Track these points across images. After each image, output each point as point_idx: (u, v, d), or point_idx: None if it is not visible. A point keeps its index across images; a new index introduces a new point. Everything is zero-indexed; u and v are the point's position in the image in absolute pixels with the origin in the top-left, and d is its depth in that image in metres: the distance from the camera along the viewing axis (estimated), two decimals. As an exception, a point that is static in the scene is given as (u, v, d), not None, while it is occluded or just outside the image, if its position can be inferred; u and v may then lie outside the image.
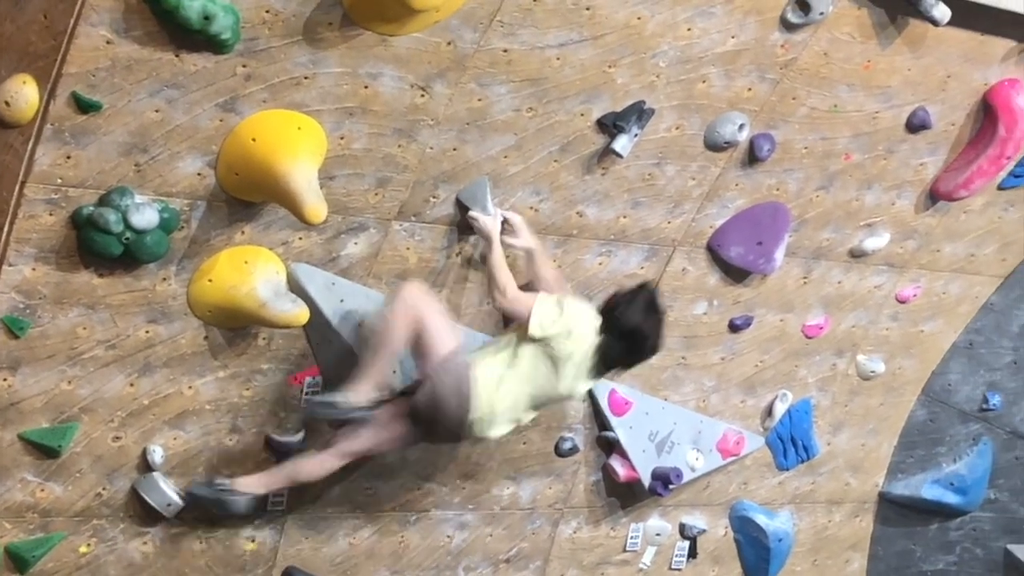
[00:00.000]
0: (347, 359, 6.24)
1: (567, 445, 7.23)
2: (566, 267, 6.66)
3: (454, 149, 6.03)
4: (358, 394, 5.86)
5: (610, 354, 6.05)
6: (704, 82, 6.38)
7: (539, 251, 6.24)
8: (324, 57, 5.46)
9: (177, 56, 5.18)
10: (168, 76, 5.21)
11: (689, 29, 6.15)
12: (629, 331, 6.03)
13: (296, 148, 5.46)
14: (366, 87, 5.63)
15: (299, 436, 6.37)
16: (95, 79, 5.09)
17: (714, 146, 6.62)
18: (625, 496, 7.62)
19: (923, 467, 8.59)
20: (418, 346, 5.92)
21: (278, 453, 6.35)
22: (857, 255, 7.58)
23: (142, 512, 6.18)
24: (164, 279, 5.72)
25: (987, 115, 7.22)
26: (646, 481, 7.41)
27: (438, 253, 6.35)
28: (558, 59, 5.95)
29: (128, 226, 5.37)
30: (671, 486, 7.46)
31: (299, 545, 6.69)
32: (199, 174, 5.52)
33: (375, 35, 5.49)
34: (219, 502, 6.04)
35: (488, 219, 6.12)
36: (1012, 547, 8.81)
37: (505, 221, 6.18)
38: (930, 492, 8.56)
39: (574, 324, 5.95)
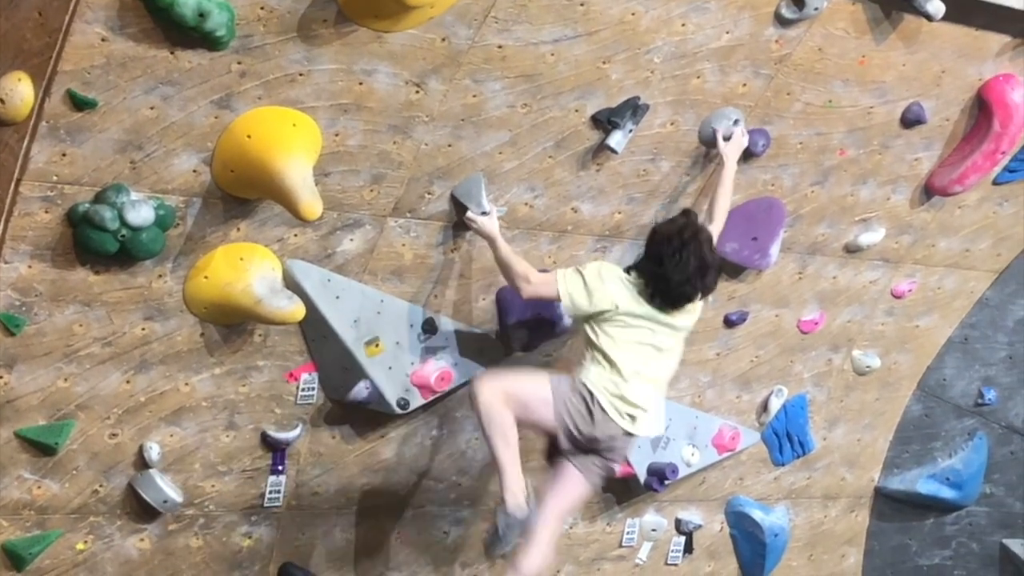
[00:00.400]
0: (342, 356, 6.25)
1: (563, 441, 7.23)
2: (561, 263, 6.66)
3: (449, 145, 6.04)
4: (516, 496, 5.74)
5: (652, 280, 5.84)
6: (699, 78, 6.39)
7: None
8: (319, 54, 5.46)
9: (172, 53, 5.19)
10: (163, 73, 5.21)
11: (683, 25, 6.15)
12: (654, 251, 5.89)
13: (291, 145, 5.46)
14: (361, 84, 5.63)
15: (295, 432, 6.38)
16: (90, 76, 5.10)
17: (709, 142, 6.63)
18: (621, 492, 7.63)
19: (919, 462, 8.61)
20: (526, 415, 5.85)
21: (274, 449, 6.37)
22: (852, 250, 7.58)
23: (139, 509, 6.19)
24: (160, 276, 5.72)
25: (982, 110, 7.22)
26: (642, 477, 7.42)
27: (433, 249, 6.36)
28: (552, 55, 5.96)
29: (124, 223, 5.37)
30: (667, 482, 7.47)
31: (295, 541, 6.70)
32: (194, 171, 5.52)
33: (369, 32, 5.49)
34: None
35: (485, 219, 6.12)
36: (1007, 541, 8.82)
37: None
38: (926, 487, 8.57)
39: (595, 284, 5.85)
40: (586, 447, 5.95)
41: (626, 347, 5.89)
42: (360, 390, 6.33)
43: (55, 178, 5.26)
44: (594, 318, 5.91)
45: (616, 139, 6.31)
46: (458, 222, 6.29)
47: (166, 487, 6.12)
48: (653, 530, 7.87)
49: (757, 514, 8.11)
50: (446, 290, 6.51)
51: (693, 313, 6.08)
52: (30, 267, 5.43)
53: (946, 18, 6.49)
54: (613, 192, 6.60)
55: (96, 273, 5.58)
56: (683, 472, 7.57)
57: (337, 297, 6.15)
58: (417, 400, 6.52)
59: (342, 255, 6.12)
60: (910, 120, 7.09)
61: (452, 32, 5.66)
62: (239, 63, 5.33)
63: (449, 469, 6.99)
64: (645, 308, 5.90)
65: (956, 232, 7.85)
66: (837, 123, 6.92)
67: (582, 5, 5.85)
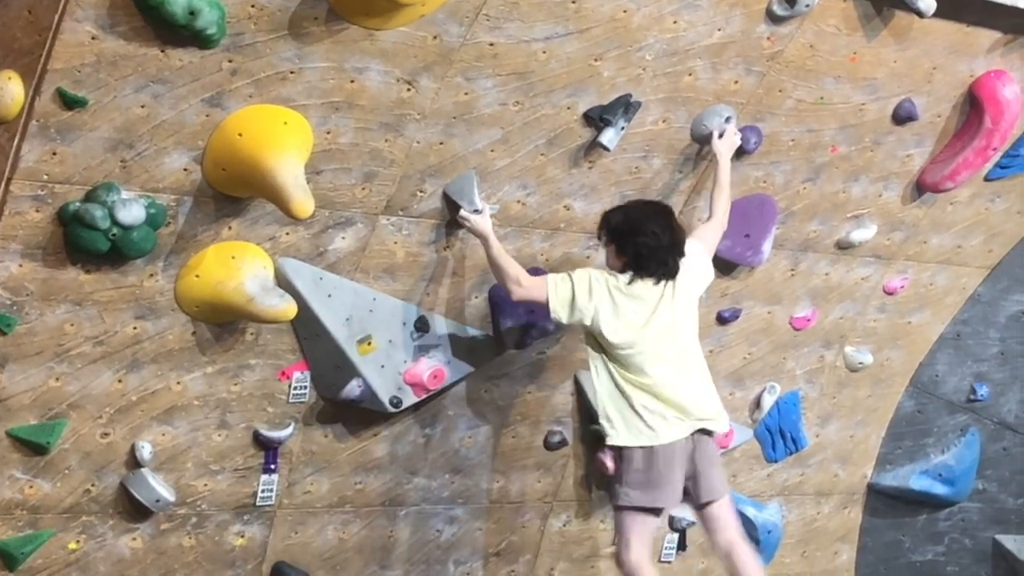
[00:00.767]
0: (335, 354, 6.25)
1: (556, 439, 7.24)
2: (554, 261, 6.66)
3: (441, 143, 6.03)
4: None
5: (631, 248, 5.95)
6: (690, 75, 6.39)
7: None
8: (310, 52, 5.45)
9: (163, 51, 5.18)
10: (154, 72, 5.21)
11: (675, 22, 6.15)
12: (621, 225, 6.01)
13: (282, 143, 5.45)
14: (352, 81, 5.62)
15: (288, 431, 6.37)
16: (80, 75, 5.09)
17: (701, 139, 6.63)
18: (615, 489, 7.62)
19: (911, 458, 8.61)
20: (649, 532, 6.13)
21: (266, 448, 6.36)
22: (844, 247, 7.59)
23: (131, 508, 6.18)
24: (151, 275, 5.71)
25: (973, 106, 7.23)
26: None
27: (426, 247, 6.35)
28: (544, 53, 5.95)
29: (115, 222, 5.36)
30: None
31: (288, 540, 6.69)
32: (185, 169, 5.51)
33: (361, 29, 5.49)
34: None
35: (478, 217, 6.11)
36: (1000, 537, 8.84)
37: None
38: (918, 483, 8.57)
39: (583, 299, 5.92)
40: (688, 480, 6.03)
41: (636, 343, 5.91)
42: (352, 388, 6.33)
43: (45, 177, 5.25)
44: (586, 327, 5.98)
45: (608, 136, 6.31)
46: (451, 220, 6.28)
47: (158, 486, 6.11)
48: (646, 527, 7.87)
49: (750, 511, 8.10)
50: (439, 288, 6.50)
51: (689, 274, 6.08)
52: (21, 266, 5.41)
53: (937, 14, 6.49)
54: (605, 190, 6.60)
55: (87, 272, 5.57)
56: (676, 469, 7.58)
57: (329, 295, 6.14)
58: (410, 398, 6.51)
59: (334, 253, 6.11)
60: (902, 117, 7.10)
61: (444, 30, 5.65)
62: (230, 61, 5.33)
63: (442, 467, 6.99)
64: (635, 302, 5.93)
65: (948, 228, 7.86)
66: (829, 120, 6.92)
67: (574, 3, 5.84)
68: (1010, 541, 8.83)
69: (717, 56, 6.36)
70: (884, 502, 8.69)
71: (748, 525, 8.09)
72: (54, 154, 5.21)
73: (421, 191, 6.14)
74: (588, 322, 5.95)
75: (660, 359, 5.94)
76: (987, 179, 7.67)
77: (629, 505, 6.01)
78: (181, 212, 5.62)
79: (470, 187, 6.16)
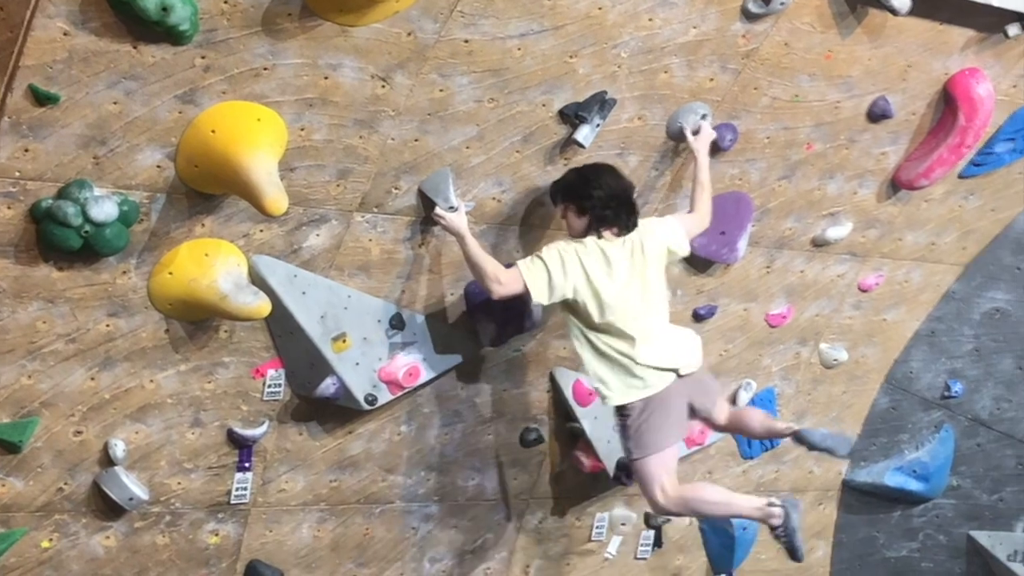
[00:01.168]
0: (309, 351, 6.23)
1: (532, 436, 7.23)
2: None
3: (416, 140, 6.02)
4: (760, 506, 6.17)
5: (591, 208, 6.10)
6: (666, 72, 6.39)
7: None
8: (283, 48, 5.43)
9: (135, 48, 5.15)
10: (126, 68, 5.18)
11: (650, 19, 6.15)
12: (576, 189, 6.16)
13: (256, 140, 5.43)
14: (326, 78, 5.61)
15: (262, 428, 6.36)
16: (52, 71, 5.06)
17: (677, 136, 6.63)
18: (590, 486, 7.63)
19: (886, 454, 8.64)
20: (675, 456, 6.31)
21: (240, 446, 6.34)
22: (819, 244, 7.61)
23: (104, 507, 6.15)
24: (124, 272, 5.69)
25: (947, 104, 7.26)
26: (611, 471, 7.42)
27: (401, 244, 6.34)
28: (519, 49, 5.95)
29: (87, 219, 5.34)
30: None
31: (263, 538, 6.68)
32: (158, 166, 5.49)
33: (335, 26, 5.47)
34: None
35: (453, 216, 6.10)
36: (974, 533, 8.88)
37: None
38: (893, 479, 8.60)
39: (558, 277, 5.99)
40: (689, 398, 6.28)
41: (614, 305, 6.03)
42: (327, 386, 6.31)
43: (17, 174, 5.22)
44: (569, 303, 6.09)
45: (584, 134, 6.30)
46: (426, 217, 6.27)
47: (131, 484, 6.09)
48: (623, 524, 7.88)
49: (726, 508, 8.12)
50: (414, 285, 6.49)
51: (655, 238, 6.22)
52: (-8, 263, 5.39)
53: (912, 13, 6.52)
54: (581, 187, 6.59)
55: (60, 269, 5.54)
56: (652, 466, 7.59)
57: (303, 293, 6.13)
58: (385, 396, 6.50)
59: (308, 250, 6.09)
60: (876, 114, 7.12)
61: (418, 26, 5.64)
62: (203, 57, 5.30)
63: (417, 465, 6.98)
64: (607, 266, 6.05)
65: (922, 226, 7.89)
66: (804, 117, 6.93)
67: (548, -1, 5.85)
68: (984, 537, 8.88)
69: (692, 53, 6.37)
70: (859, 498, 8.72)
71: (723, 522, 8.12)
72: (26, 151, 5.18)
73: (396, 188, 6.13)
74: (570, 295, 6.03)
75: (635, 319, 6.06)
76: (961, 176, 7.70)
77: (645, 455, 6.12)
78: (154, 209, 5.59)
79: (445, 184, 6.15)
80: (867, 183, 7.47)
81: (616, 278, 6.05)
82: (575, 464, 7.43)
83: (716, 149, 6.75)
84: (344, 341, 6.29)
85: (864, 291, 8.02)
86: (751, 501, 6.23)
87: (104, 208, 5.35)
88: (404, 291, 6.47)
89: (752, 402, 7.92)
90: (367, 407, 6.46)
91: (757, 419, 6.75)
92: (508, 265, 6.20)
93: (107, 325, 5.78)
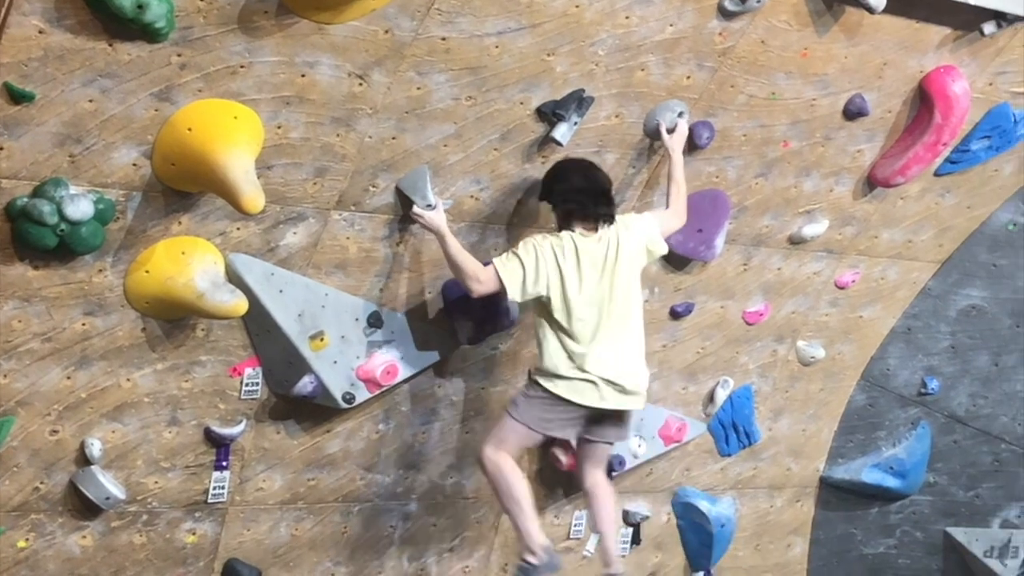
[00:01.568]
0: (287, 350, 6.22)
1: (510, 434, 7.23)
2: (507, 256, 6.66)
3: (393, 138, 6.01)
4: (532, 539, 6.16)
5: (567, 202, 6.16)
6: (643, 70, 6.40)
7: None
8: (260, 46, 5.42)
9: (111, 45, 5.14)
10: (102, 66, 5.16)
11: (627, 17, 6.16)
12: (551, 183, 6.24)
13: (233, 138, 5.42)
14: (303, 76, 5.60)
15: (240, 427, 6.34)
16: (28, 69, 5.04)
17: (654, 134, 6.64)
18: (568, 484, 7.62)
19: (863, 451, 8.67)
20: (530, 443, 6.36)
21: (218, 445, 6.32)
22: (796, 242, 7.62)
23: (81, 506, 6.13)
24: (100, 271, 5.67)
25: (923, 102, 7.28)
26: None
27: (379, 243, 6.33)
28: (497, 47, 5.95)
29: (63, 217, 5.32)
30: (614, 473, 7.49)
31: (240, 537, 6.66)
32: (134, 164, 5.47)
33: (311, 23, 5.46)
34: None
35: (432, 213, 6.10)
36: (951, 530, 8.92)
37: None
38: (870, 476, 8.63)
39: (531, 272, 6.03)
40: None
41: (579, 307, 6.05)
42: (305, 384, 6.30)
43: (-8, 172, 5.21)
44: (540, 300, 6.11)
45: (561, 132, 6.31)
46: (404, 215, 6.27)
47: (108, 484, 6.07)
48: (600, 522, 7.88)
49: (704, 504, 8.14)
50: (391, 284, 6.49)
51: (631, 232, 6.24)
52: (-33, 262, 5.37)
53: (887, 10, 6.54)
54: (558, 184, 6.59)
55: (35, 268, 5.52)
56: (630, 464, 7.60)
57: (281, 291, 6.12)
58: (363, 394, 6.50)
59: (285, 249, 6.08)
60: (852, 112, 7.14)
61: (395, 24, 5.64)
62: (179, 55, 5.29)
63: (396, 463, 6.97)
64: (580, 264, 6.06)
65: (899, 223, 7.91)
66: (780, 115, 6.95)
67: (526, -3, 5.85)
68: (960, 533, 8.91)
69: (669, 51, 6.38)
70: (836, 495, 8.75)
71: (701, 519, 8.14)
72: (1, 149, 5.16)
73: (373, 186, 6.12)
74: (544, 291, 6.06)
75: (598, 326, 6.08)
76: (937, 174, 7.72)
77: (517, 420, 6.17)
78: (130, 207, 5.58)
79: (423, 182, 6.15)
80: (843, 180, 7.50)
81: (586, 279, 6.07)
82: (553, 462, 7.43)
83: (693, 147, 6.76)
84: (322, 339, 6.29)
85: (841, 288, 8.04)
86: (530, 527, 6.17)
87: (80, 206, 5.33)
88: (382, 289, 6.47)
89: (729, 399, 7.94)
90: (345, 405, 6.46)
91: (603, 517, 6.52)
92: (486, 263, 6.21)
93: (83, 324, 5.76)
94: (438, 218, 6.09)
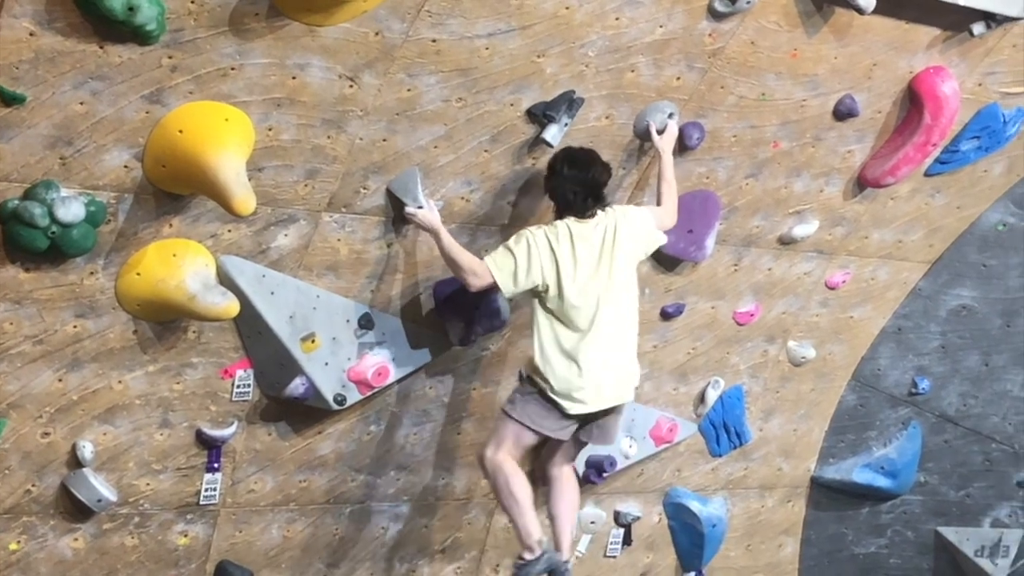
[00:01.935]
0: (278, 352, 6.22)
1: (501, 435, 7.23)
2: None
3: (384, 140, 6.02)
4: (530, 535, 6.13)
5: (563, 190, 6.17)
6: (633, 71, 6.41)
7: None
8: (251, 48, 5.42)
9: (102, 48, 5.14)
10: (93, 68, 5.16)
11: (617, 19, 6.17)
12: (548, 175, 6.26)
13: (224, 140, 5.42)
14: (294, 78, 5.60)
15: (231, 429, 6.34)
16: (19, 71, 5.04)
17: (644, 135, 6.65)
18: (560, 485, 7.63)
19: (854, 451, 8.69)
20: (527, 444, 6.31)
21: (209, 447, 6.32)
22: (786, 242, 7.64)
23: (72, 508, 6.13)
24: (91, 273, 5.67)
25: (913, 102, 7.29)
26: (580, 469, 7.42)
27: (370, 244, 6.34)
28: (487, 49, 5.95)
29: (54, 220, 5.32)
30: (605, 474, 7.50)
31: (232, 539, 6.67)
32: (126, 167, 5.47)
33: (302, 25, 5.47)
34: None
35: (426, 212, 6.12)
36: (942, 529, 8.94)
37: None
38: (861, 476, 8.65)
39: (523, 266, 6.04)
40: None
41: (576, 294, 6.06)
42: (296, 386, 6.30)
43: (-17, 174, 5.21)
44: (537, 292, 6.12)
45: (552, 133, 6.32)
46: (395, 217, 6.27)
47: (100, 486, 6.07)
48: (592, 522, 7.90)
49: (695, 505, 8.15)
50: (383, 285, 6.49)
51: (628, 223, 6.24)
52: (-42, 265, 5.36)
53: (877, 11, 6.55)
54: (549, 186, 6.60)
55: (26, 270, 5.52)
56: (621, 464, 7.61)
57: (272, 293, 6.12)
58: (354, 396, 6.51)
59: (276, 251, 6.08)
60: (842, 113, 7.15)
61: (386, 26, 5.64)
62: (170, 57, 5.29)
63: (387, 465, 6.98)
64: (575, 253, 6.07)
65: (889, 224, 7.93)
66: (770, 116, 6.96)
67: (516, -1, 5.85)
68: (951, 533, 8.94)
69: (659, 52, 6.39)
70: (827, 495, 8.76)
71: (692, 519, 8.15)
72: (-9, 151, 5.17)
73: (364, 188, 6.13)
74: (539, 281, 6.07)
75: (595, 316, 6.08)
76: (927, 174, 7.74)
77: (516, 418, 6.18)
78: (121, 210, 5.57)
79: (414, 184, 6.15)
80: (833, 181, 7.51)
81: (581, 263, 6.08)
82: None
83: (683, 148, 6.77)
84: (313, 341, 6.29)
85: (831, 289, 8.06)
86: (528, 524, 6.15)
87: (71, 209, 5.33)
88: (373, 291, 6.47)
89: (720, 399, 7.95)
90: (336, 407, 6.46)
91: (564, 500, 6.49)
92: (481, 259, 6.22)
93: (75, 326, 5.76)
94: (433, 216, 6.12)
